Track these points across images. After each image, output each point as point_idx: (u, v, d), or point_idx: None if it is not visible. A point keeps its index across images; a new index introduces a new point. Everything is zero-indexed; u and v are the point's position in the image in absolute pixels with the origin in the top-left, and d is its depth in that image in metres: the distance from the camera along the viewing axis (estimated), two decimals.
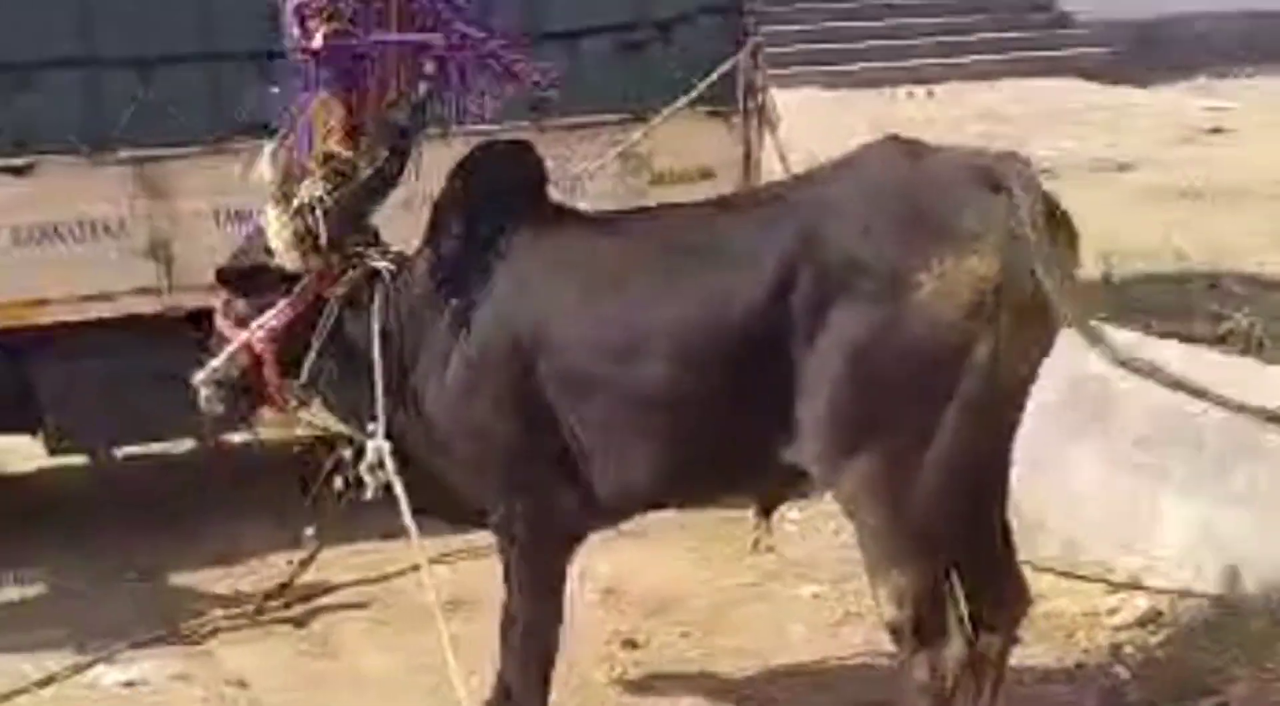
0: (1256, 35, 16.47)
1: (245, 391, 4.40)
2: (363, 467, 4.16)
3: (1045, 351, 3.59)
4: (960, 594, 3.76)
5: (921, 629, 3.63)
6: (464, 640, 5.21)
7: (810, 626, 5.22)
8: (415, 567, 5.82)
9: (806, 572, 5.66)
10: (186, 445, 6.99)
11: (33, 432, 6.43)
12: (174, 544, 6.34)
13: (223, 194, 6.16)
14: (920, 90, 14.35)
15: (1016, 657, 4.79)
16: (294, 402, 4.43)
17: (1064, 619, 5.15)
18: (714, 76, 6.42)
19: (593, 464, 3.89)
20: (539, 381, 3.86)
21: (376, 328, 4.09)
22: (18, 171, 5.98)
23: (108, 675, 5.18)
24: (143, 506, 6.88)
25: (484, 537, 5.96)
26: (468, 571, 5.89)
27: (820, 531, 5.85)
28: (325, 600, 5.79)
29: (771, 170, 6.61)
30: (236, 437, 6.83)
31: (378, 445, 4.08)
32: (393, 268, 4.20)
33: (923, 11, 16.43)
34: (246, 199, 6.04)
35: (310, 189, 4.12)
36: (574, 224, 4.18)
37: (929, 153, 3.71)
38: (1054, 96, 14.47)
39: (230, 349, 4.30)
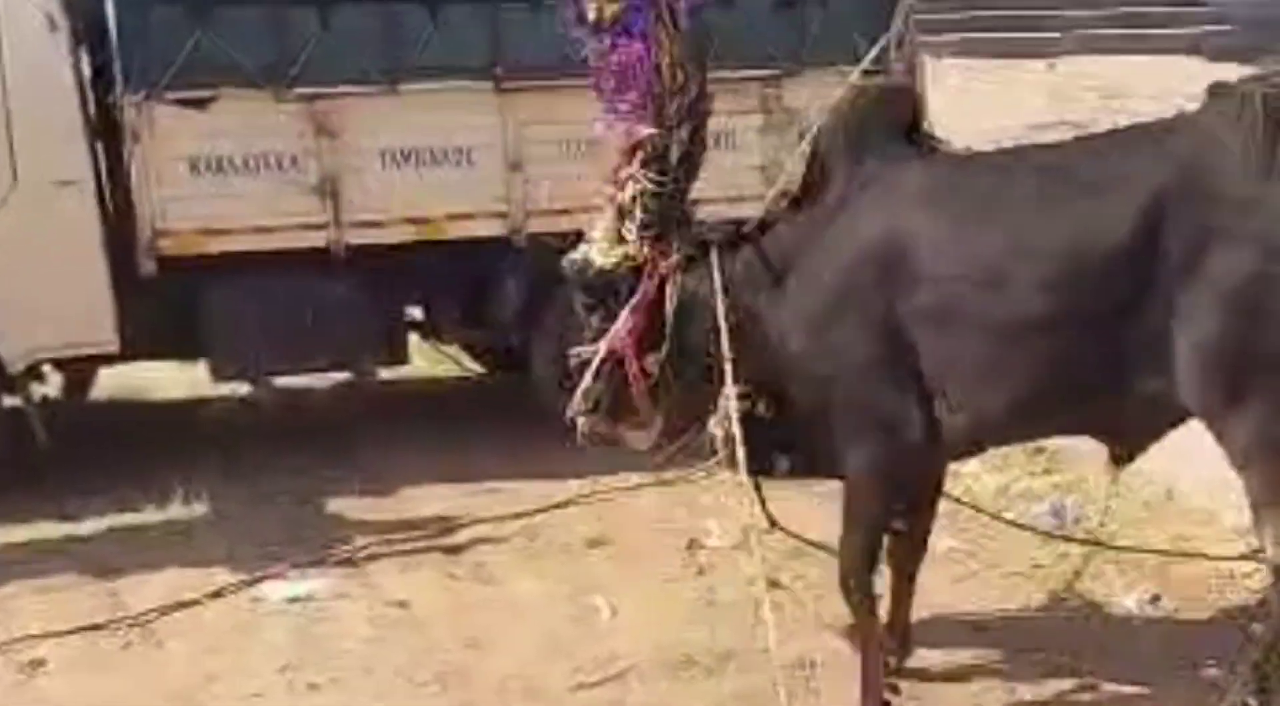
0: None
1: (614, 403, 4.43)
2: (711, 422, 4.23)
3: None
4: None
5: None
6: (606, 572, 5.47)
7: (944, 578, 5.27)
8: (563, 505, 6.16)
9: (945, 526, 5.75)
10: (342, 376, 7.19)
11: (198, 358, 6.67)
12: (327, 470, 6.59)
13: (391, 134, 6.39)
14: (1041, 63, 14.31)
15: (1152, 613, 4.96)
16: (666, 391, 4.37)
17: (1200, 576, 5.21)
18: (884, 40, 6.49)
19: (954, 395, 3.90)
20: (903, 313, 3.87)
21: (719, 282, 4.13)
22: (197, 104, 6.20)
23: (275, 591, 5.38)
24: (297, 433, 7.14)
25: (626, 480, 6.27)
26: (609, 510, 6.14)
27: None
28: (479, 530, 5.97)
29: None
30: (389, 373, 7.01)
31: (727, 394, 4.13)
32: (718, 236, 4.27)
33: None
34: (413, 139, 6.37)
35: (634, 185, 4.19)
36: (945, 160, 4.18)
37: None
38: (1172, 73, 14.37)
39: (595, 362, 4.35)
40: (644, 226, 4.22)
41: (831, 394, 4.03)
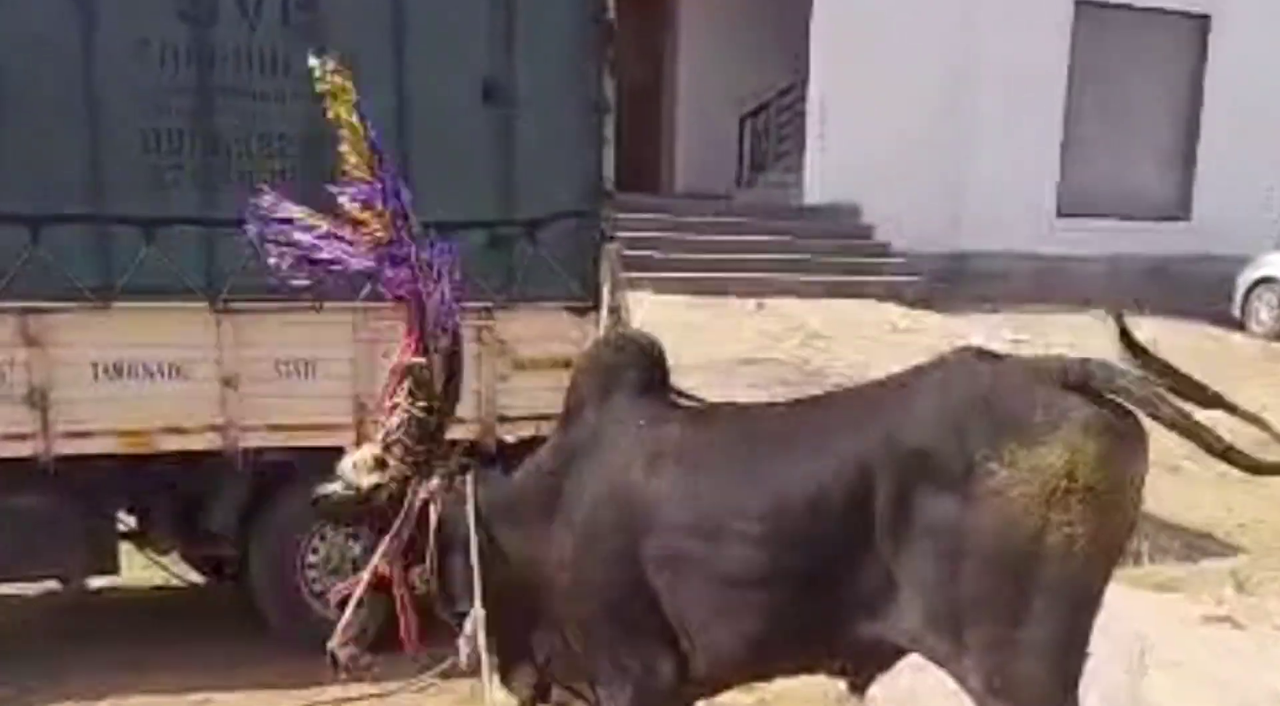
0: (1057, 275, 17.72)
1: (379, 631, 4.49)
2: (461, 639, 4.35)
3: (1123, 539, 3.74)
4: None
5: None
6: None
7: None
8: None
9: None
10: (48, 586, 7.13)
11: None
12: (32, 683, 6.46)
13: (102, 349, 6.49)
14: (751, 302, 15.08)
15: None
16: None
17: None
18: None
19: (694, 638, 4.12)
20: (642, 557, 4.10)
21: (471, 508, 4.32)
22: None
23: None
24: (4, 644, 7.02)
25: (346, 692, 6.33)
26: None
27: None
28: None
29: None
30: (98, 582, 6.97)
31: (476, 614, 4.28)
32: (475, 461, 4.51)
33: (759, 230, 17.33)
34: (126, 354, 6.47)
35: (401, 412, 4.38)
36: (681, 415, 4.39)
37: (1004, 357, 3.94)
38: (865, 316, 15.29)
39: (359, 591, 4.42)
40: (407, 451, 4.39)
41: (585, 632, 4.28)
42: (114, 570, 6.95)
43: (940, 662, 3.84)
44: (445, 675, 6.23)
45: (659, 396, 4.45)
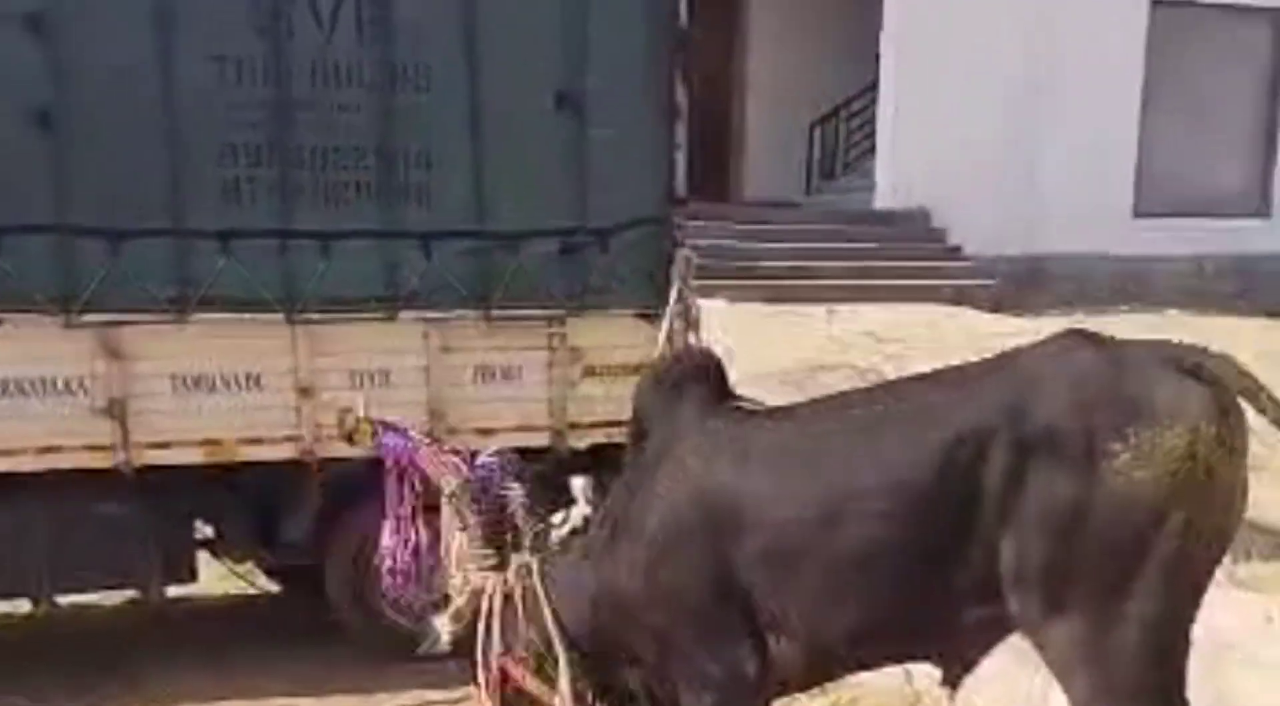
0: (1136, 276, 17.50)
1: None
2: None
3: (1234, 524, 3.78)
4: None
5: None
6: None
7: None
8: None
9: None
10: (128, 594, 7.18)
11: None
12: (111, 689, 6.56)
13: (181, 361, 6.56)
14: (823, 308, 15.00)
15: None
16: None
17: None
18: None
19: (790, 633, 4.14)
20: (731, 559, 4.13)
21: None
22: None
23: None
24: (80, 652, 7.10)
25: (421, 698, 6.44)
26: None
27: None
28: None
29: None
30: (174, 591, 7.05)
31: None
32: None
33: (830, 237, 17.24)
34: (204, 366, 6.55)
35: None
36: (760, 416, 4.47)
37: (1118, 340, 3.93)
38: (939, 320, 15.16)
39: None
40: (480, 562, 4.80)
41: (663, 642, 4.33)
42: (192, 578, 7.03)
43: (1029, 631, 3.85)
44: None
45: (725, 405, 4.49)
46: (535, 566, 4.67)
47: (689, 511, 4.22)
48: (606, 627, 4.51)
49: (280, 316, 6.67)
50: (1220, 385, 3.66)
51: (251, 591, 7.65)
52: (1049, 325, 15.31)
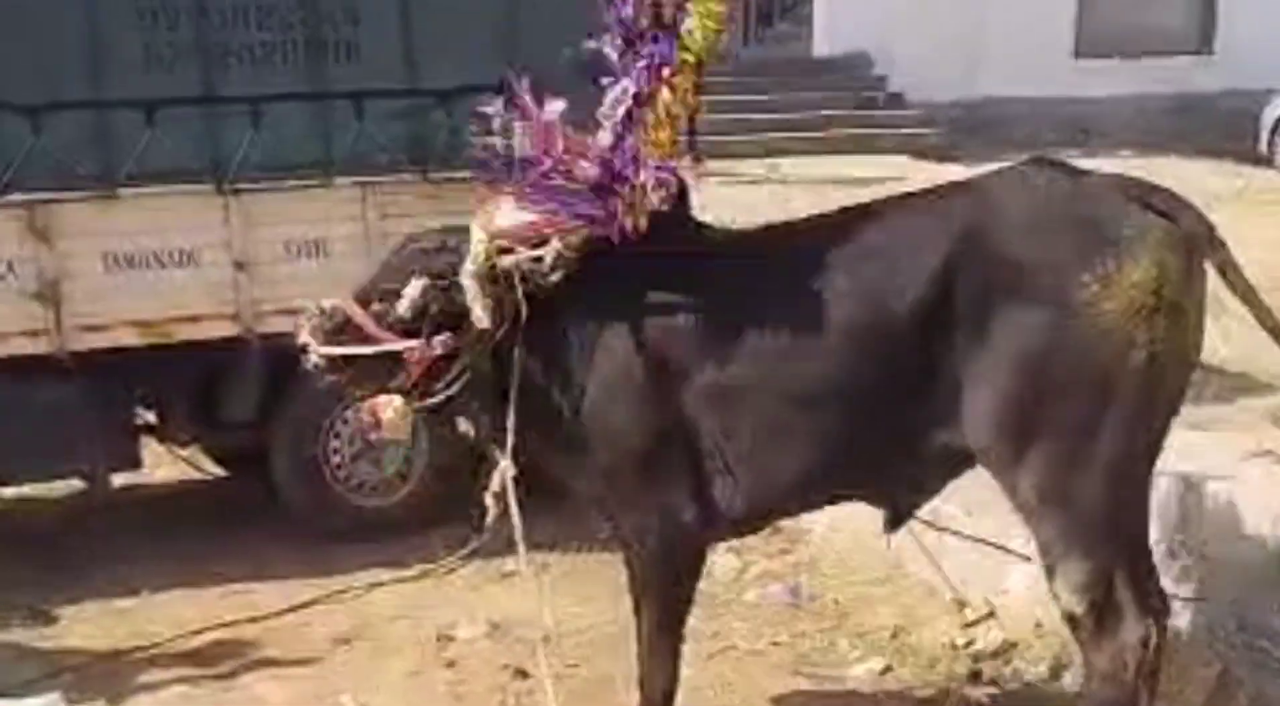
0: (1080, 118, 17.37)
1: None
2: (488, 494, 4.27)
3: (1195, 360, 3.76)
4: (1132, 583, 3.83)
5: (1102, 618, 3.72)
6: (353, 671, 5.48)
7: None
8: (307, 605, 6.10)
9: None
10: (74, 485, 6.99)
11: None
12: (59, 581, 6.37)
13: (111, 239, 6.29)
14: (763, 163, 14.82)
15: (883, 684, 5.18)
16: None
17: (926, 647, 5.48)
18: None
19: (736, 473, 4.00)
20: (682, 394, 3.96)
21: (517, 359, 4.12)
22: None
23: None
24: (26, 543, 6.90)
25: (373, 577, 6.29)
26: (356, 608, 6.14)
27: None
28: (220, 636, 5.87)
29: None
30: (121, 480, 6.86)
31: (504, 469, 4.18)
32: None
33: (767, 88, 16.99)
34: (135, 243, 6.29)
35: (523, 263, 4.09)
36: (719, 241, 4.30)
37: (1084, 172, 3.85)
38: (884, 170, 15.02)
39: (390, 347, 4.18)
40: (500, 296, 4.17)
41: (612, 477, 4.15)
42: (135, 465, 6.83)
43: (997, 471, 3.81)
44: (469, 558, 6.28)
45: (689, 229, 4.29)
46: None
47: (642, 348, 4.02)
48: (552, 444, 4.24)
49: (211, 188, 6.38)
50: (1184, 219, 3.63)
51: (197, 476, 7.43)
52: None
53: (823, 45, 17.56)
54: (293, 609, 6.10)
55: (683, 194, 4.27)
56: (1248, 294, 3.68)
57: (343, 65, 6.55)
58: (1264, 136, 16.85)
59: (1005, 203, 3.76)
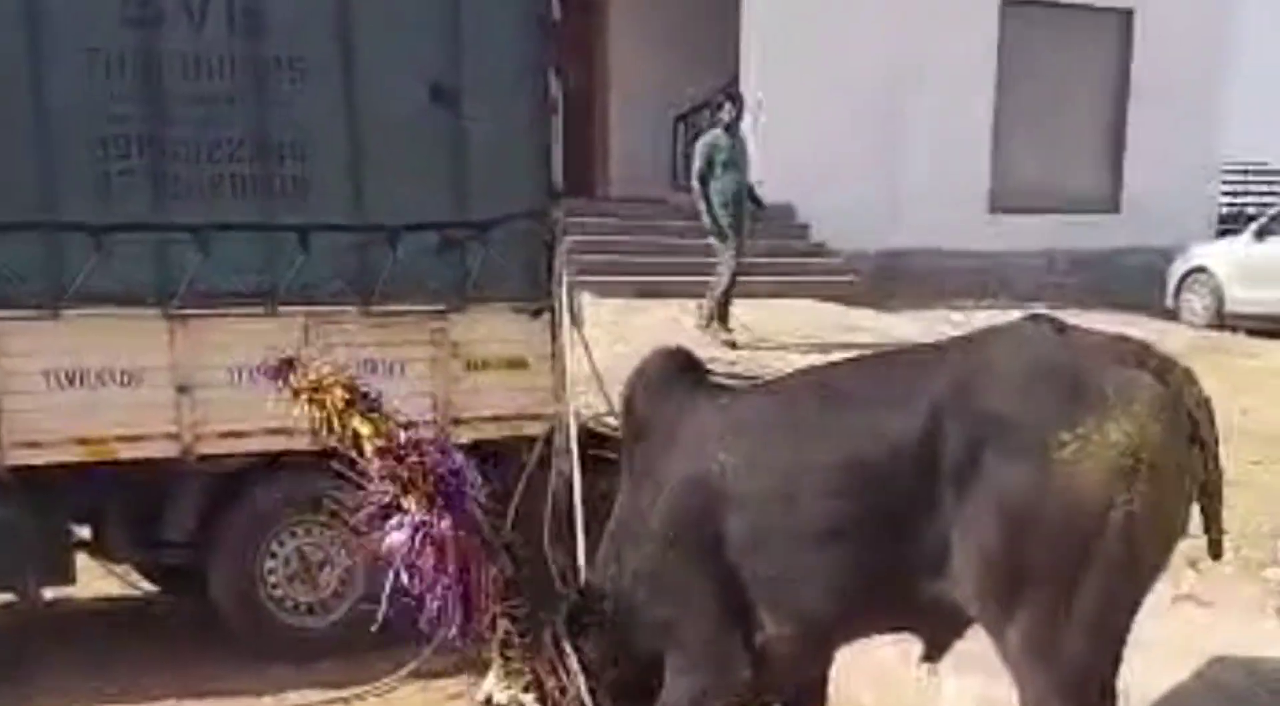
0: (994, 271, 17.85)
1: None
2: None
3: (1181, 520, 3.79)
4: None
5: None
6: None
7: None
8: None
9: None
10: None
11: None
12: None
13: (54, 357, 6.42)
14: (692, 303, 15.09)
15: None
16: None
17: None
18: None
19: (776, 619, 4.20)
20: (725, 540, 4.18)
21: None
22: None
23: None
24: None
25: (306, 698, 6.38)
26: None
27: None
28: None
29: (581, 361, 7.15)
30: (52, 593, 6.90)
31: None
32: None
33: (696, 232, 17.31)
34: (78, 362, 6.42)
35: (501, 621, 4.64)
36: (742, 393, 4.58)
37: (1077, 330, 3.96)
38: (806, 315, 15.33)
39: None
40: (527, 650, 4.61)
41: (668, 639, 4.36)
42: (69, 581, 6.89)
43: (986, 626, 3.88)
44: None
45: (710, 388, 4.58)
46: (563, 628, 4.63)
47: (688, 497, 4.26)
48: (619, 652, 4.53)
49: (157, 312, 6.54)
50: (1171, 379, 3.71)
51: (132, 592, 7.48)
52: (909, 320, 15.68)
53: None
54: None
55: (695, 363, 4.65)
56: (1212, 459, 3.76)
57: (290, 197, 6.76)
58: (1170, 291, 17.44)
59: (995, 358, 3.87)
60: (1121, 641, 3.85)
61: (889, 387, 4.02)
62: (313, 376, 4.44)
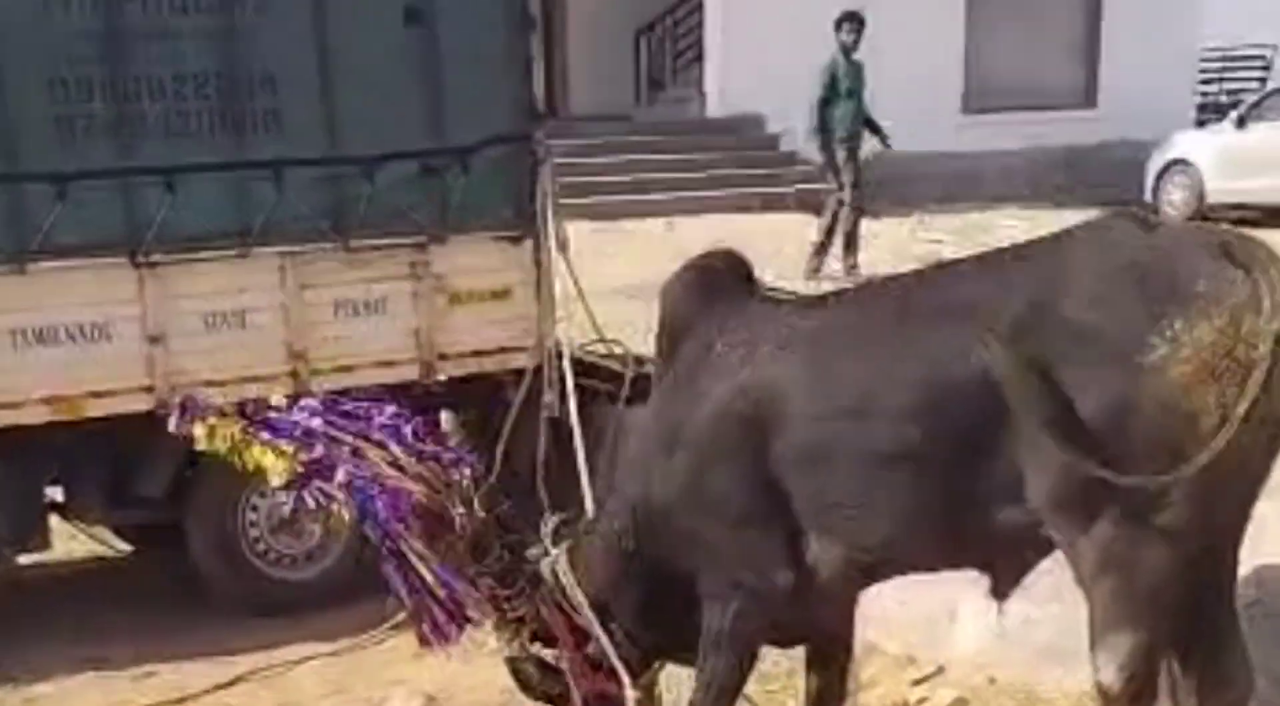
0: (970, 172, 17.66)
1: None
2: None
3: (1273, 432, 3.47)
4: (1179, 666, 3.73)
5: (1137, 695, 3.57)
6: None
7: None
8: (230, 684, 5.94)
9: None
10: None
11: None
12: None
13: (20, 314, 6.11)
14: (660, 222, 14.86)
15: None
16: None
17: None
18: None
19: (824, 539, 3.95)
20: (772, 456, 3.92)
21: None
22: None
23: None
24: None
25: (297, 653, 6.16)
26: (283, 685, 6.01)
27: None
28: None
29: (567, 290, 6.87)
30: (27, 559, 6.64)
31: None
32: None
33: (663, 148, 17.06)
34: (45, 318, 6.10)
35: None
36: (796, 305, 4.24)
37: (1164, 224, 3.72)
38: (780, 227, 15.14)
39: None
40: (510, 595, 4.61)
41: (701, 554, 4.15)
42: (45, 546, 6.63)
43: (1062, 542, 3.63)
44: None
45: (758, 297, 4.29)
46: (563, 561, 4.52)
47: (732, 405, 4.01)
48: (639, 572, 4.39)
49: (125, 260, 6.22)
50: (1258, 268, 3.39)
51: (105, 552, 7.23)
52: (891, 227, 15.49)
53: (716, 106, 17.70)
54: (216, 689, 5.93)
55: (747, 268, 4.35)
56: None
57: (262, 133, 6.42)
58: (1149, 185, 17.27)
59: (1074, 264, 3.60)
60: (1215, 569, 3.64)
61: (964, 301, 3.73)
62: (211, 417, 4.36)
